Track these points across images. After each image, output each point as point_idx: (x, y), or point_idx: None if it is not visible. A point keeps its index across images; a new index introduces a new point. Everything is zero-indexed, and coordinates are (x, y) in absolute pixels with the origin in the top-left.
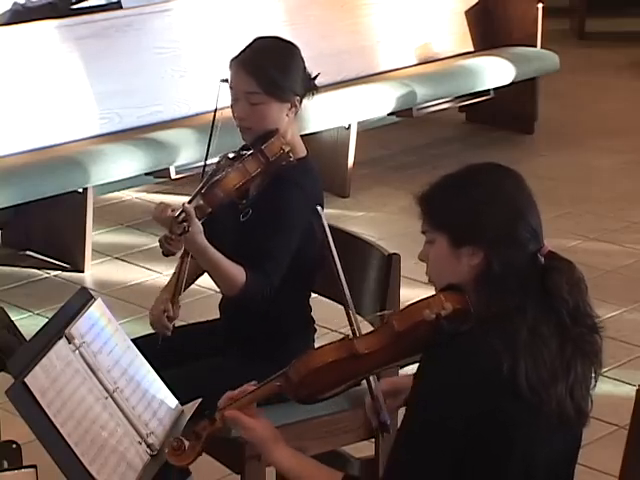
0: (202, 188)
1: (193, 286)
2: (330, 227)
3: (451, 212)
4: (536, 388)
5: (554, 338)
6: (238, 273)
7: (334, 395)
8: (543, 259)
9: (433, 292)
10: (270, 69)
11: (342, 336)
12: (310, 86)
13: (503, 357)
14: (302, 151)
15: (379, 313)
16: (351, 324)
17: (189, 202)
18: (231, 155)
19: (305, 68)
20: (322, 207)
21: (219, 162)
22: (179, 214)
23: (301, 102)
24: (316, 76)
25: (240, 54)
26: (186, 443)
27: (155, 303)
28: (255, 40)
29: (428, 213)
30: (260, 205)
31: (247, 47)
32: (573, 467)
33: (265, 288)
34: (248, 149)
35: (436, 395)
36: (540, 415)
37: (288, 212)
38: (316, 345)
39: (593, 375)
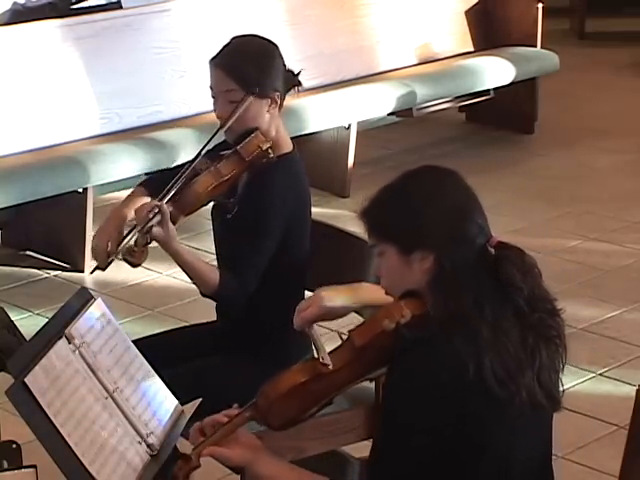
0: (175, 195)
1: (192, 287)
2: (330, 227)
3: (394, 221)
4: (505, 381)
5: (515, 328)
6: (212, 275)
7: (308, 418)
8: (493, 250)
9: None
10: (246, 66)
11: (342, 338)
12: (293, 82)
13: (467, 358)
14: (287, 147)
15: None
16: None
17: (166, 201)
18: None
19: (285, 64)
20: (309, 203)
21: (195, 160)
22: (153, 216)
23: (283, 98)
24: (299, 72)
25: (217, 54)
26: None
27: (104, 230)
28: (232, 39)
29: (372, 226)
30: (242, 204)
31: (224, 47)
32: (550, 455)
33: (238, 290)
34: (228, 146)
35: (404, 404)
36: (512, 409)
37: (265, 212)
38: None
39: (560, 359)
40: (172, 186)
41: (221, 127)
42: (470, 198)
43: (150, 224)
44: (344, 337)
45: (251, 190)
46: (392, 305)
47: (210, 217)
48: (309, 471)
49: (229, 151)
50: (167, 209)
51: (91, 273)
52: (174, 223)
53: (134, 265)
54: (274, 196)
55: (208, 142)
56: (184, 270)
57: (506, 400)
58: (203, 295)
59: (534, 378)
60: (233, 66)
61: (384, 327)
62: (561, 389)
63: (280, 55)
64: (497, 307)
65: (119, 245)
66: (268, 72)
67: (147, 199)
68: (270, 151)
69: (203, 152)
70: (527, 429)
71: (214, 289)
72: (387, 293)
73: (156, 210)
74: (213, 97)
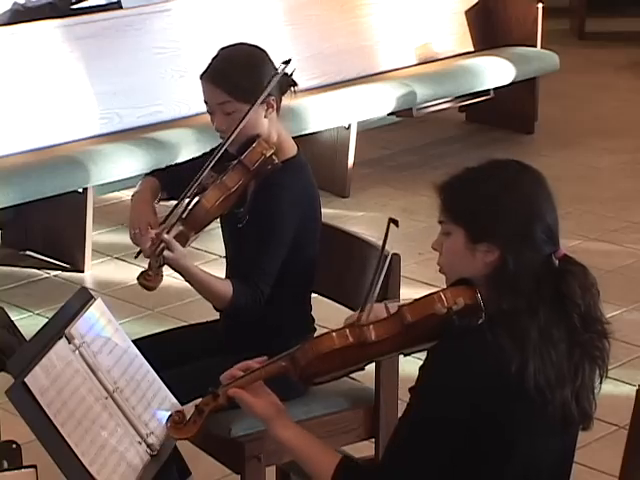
0: (182, 213)
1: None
2: (330, 227)
3: (469, 207)
4: (542, 389)
5: (563, 341)
6: (225, 289)
7: (335, 378)
8: (557, 262)
9: (434, 288)
10: (235, 75)
11: (390, 311)
12: (287, 82)
13: (512, 357)
14: (291, 150)
15: (384, 302)
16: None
17: (168, 231)
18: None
19: (275, 68)
20: (319, 206)
21: (202, 172)
22: (158, 246)
23: (279, 101)
24: (292, 72)
25: (206, 68)
26: (187, 417)
27: (136, 218)
28: (219, 51)
29: (447, 204)
30: (253, 212)
31: (212, 60)
32: (571, 465)
33: (254, 299)
34: (232, 157)
35: (442, 392)
36: (544, 417)
37: (276, 218)
38: None
39: (598, 379)
40: (176, 206)
41: (225, 142)
42: (547, 202)
43: (158, 250)
44: (392, 310)
45: (260, 198)
46: (447, 291)
47: (218, 223)
48: (324, 445)
49: (233, 162)
50: (169, 237)
51: (136, 257)
52: (185, 240)
53: (150, 289)
54: (283, 202)
55: (212, 158)
56: (195, 287)
57: (539, 406)
58: (217, 309)
59: (572, 394)
60: (221, 77)
61: (436, 310)
62: (594, 407)
63: (269, 59)
64: (550, 317)
65: (163, 223)
66: (257, 77)
67: (156, 193)
68: (274, 157)
69: (208, 169)
70: (555, 440)
71: (227, 302)
72: (441, 271)
73: (157, 241)
74: (209, 112)
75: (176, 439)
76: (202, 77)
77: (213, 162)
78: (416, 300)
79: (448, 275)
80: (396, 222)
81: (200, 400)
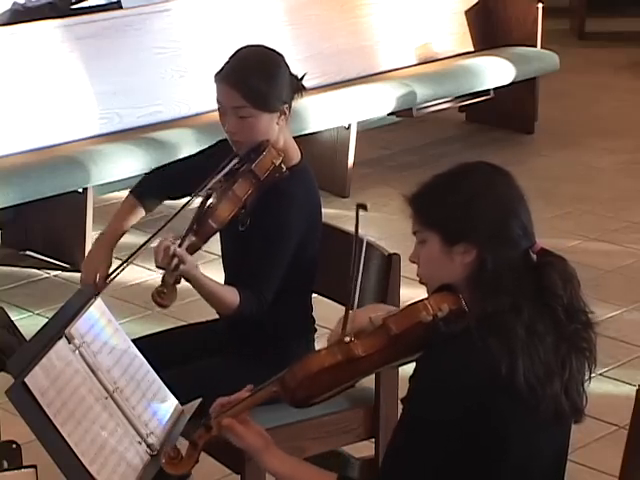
0: (194, 224)
1: (192, 287)
2: (330, 227)
3: (442, 210)
4: (534, 387)
5: (549, 335)
6: (232, 297)
7: (329, 398)
8: (535, 256)
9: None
10: (255, 81)
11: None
12: (298, 88)
13: (501, 357)
14: (296, 156)
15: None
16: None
17: (180, 244)
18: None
19: (291, 73)
20: (320, 212)
21: (209, 188)
22: (172, 261)
23: (290, 108)
24: (303, 76)
25: (223, 68)
26: (182, 451)
27: (92, 260)
28: (237, 51)
29: (419, 212)
30: (257, 216)
31: (230, 59)
32: (565, 461)
33: (259, 306)
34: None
35: (433, 397)
36: (536, 414)
37: (282, 226)
38: (317, 346)
39: (587, 371)
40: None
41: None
42: (519, 199)
43: (173, 265)
44: (377, 324)
45: (267, 205)
46: (430, 298)
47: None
48: (317, 468)
49: (242, 169)
50: (182, 251)
51: None
52: (194, 250)
53: (164, 307)
54: (291, 212)
55: (220, 170)
56: (203, 295)
57: (531, 405)
58: (220, 316)
59: (562, 388)
60: (241, 81)
61: (421, 319)
62: (585, 401)
63: (286, 64)
64: (534, 312)
65: (107, 278)
66: (276, 85)
67: (140, 212)
68: (283, 165)
69: (213, 181)
70: (548, 437)
71: (233, 309)
72: (421, 282)
73: (172, 254)
74: (224, 113)
75: (172, 475)
76: (217, 77)
77: (223, 171)
78: (400, 311)
79: (429, 284)
80: (365, 207)
81: (194, 434)
